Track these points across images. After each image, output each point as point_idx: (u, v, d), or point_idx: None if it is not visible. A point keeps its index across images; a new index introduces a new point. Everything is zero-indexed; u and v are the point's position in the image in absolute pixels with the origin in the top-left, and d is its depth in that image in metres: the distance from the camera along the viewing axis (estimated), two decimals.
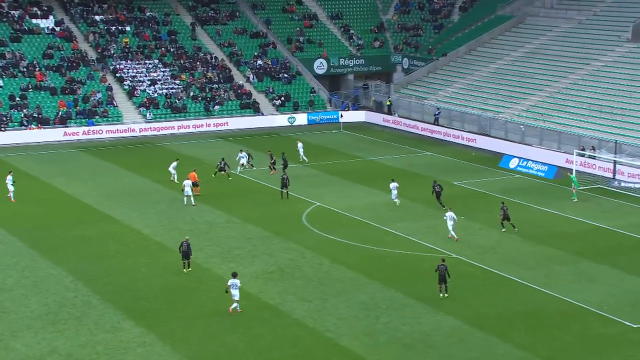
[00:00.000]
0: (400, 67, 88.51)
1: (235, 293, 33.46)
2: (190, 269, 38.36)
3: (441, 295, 35.27)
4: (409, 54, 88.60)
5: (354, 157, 64.30)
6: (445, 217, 43.07)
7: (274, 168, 56.81)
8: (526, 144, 65.00)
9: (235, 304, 33.55)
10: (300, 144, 62.12)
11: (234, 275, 34.01)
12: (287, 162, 56.76)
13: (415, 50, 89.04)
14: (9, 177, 51.40)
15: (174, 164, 54.97)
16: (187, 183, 49.11)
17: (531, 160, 59.65)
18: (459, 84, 79.67)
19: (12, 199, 50.59)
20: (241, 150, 58.37)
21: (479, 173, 58.65)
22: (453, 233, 42.66)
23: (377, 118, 79.06)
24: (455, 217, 42.83)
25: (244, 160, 57.17)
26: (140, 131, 72.04)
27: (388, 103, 79.88)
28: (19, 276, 37.63)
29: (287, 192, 50.58)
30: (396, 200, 49.35)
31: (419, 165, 60.83)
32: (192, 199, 49.08)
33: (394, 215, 47.21)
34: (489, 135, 69.16)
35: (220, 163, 55.79)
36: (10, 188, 50.90)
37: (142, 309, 34.05)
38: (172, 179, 54.33)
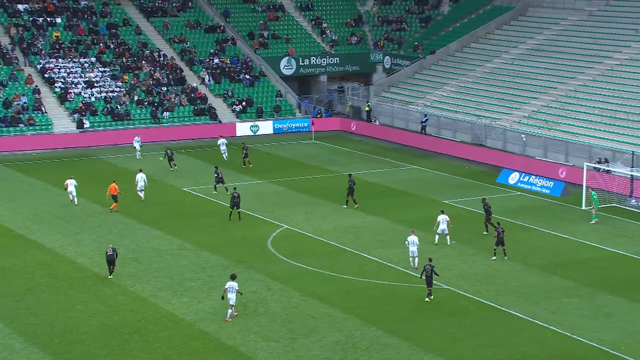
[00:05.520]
0: (381, 67, 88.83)
1: (232, 297, 36.23)
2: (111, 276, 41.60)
3: (427, 299, 38.16)
4: (391, 51, 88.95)
5: (327, 171, 64.26)
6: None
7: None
8: (528, 156, 65.42)
9: (230, 310, 36.29)
10: (222, 140, 65.75)
11: (233, 278, 36.63)
12: (222, 175, 56.44)
13: (399, 47, 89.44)
14: None
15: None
16: (70, 182, 53.64)
17: (534, 175, 59.93)
18: (449, 86, 80.00)
19: None
20: (138, 135, 65.26)
21: (473, 190, 58.83)
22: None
23: (354, 126, 79.16)
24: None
25: (137, 144, 65.10)
26: (74, 142, 71.63)
27: (367, 109, 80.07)
28: None
29: (239, 211, 50.61)
30: (447, 238, 46.62)
31: (402, 182, 60.89)
32: (75, 199, 53.63)
33: (377, 240, 47.15)
34: (485, 146, 69.56)
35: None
36: None
37: (76, 353, 33.60)
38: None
